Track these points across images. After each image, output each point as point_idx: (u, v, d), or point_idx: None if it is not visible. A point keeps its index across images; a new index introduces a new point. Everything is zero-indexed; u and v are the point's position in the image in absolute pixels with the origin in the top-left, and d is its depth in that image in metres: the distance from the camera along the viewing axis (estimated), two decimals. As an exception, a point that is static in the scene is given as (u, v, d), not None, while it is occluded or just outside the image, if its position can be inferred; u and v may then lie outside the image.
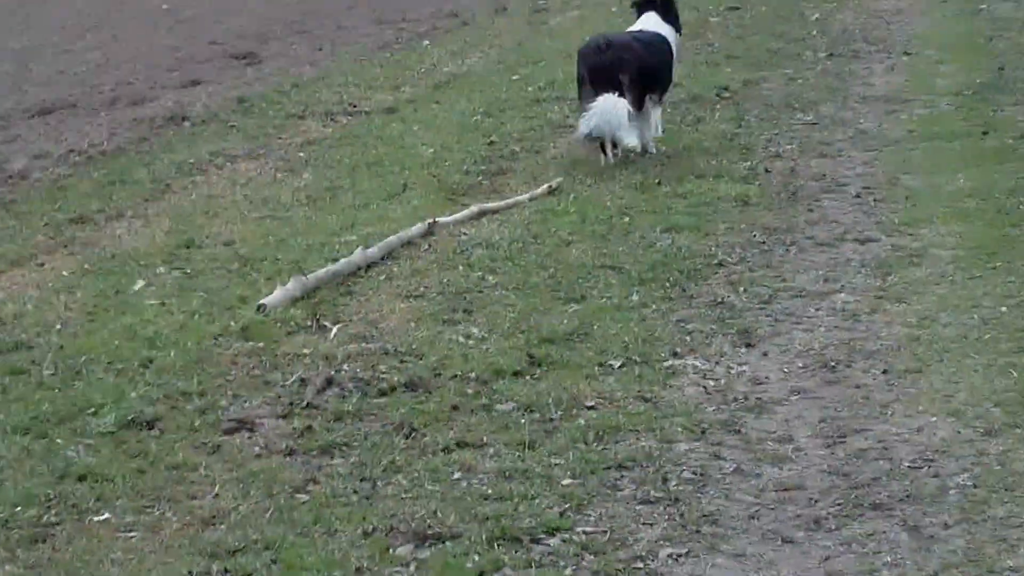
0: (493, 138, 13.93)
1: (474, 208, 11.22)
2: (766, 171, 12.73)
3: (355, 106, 16.18)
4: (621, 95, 12.33)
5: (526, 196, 11.64)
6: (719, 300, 9.32)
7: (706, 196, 11.73)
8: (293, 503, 6.75)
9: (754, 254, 10.25)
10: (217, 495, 6.83)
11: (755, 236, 10.68)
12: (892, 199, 11.61)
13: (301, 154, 13.89)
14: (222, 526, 6.56)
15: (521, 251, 10.25)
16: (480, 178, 12.47)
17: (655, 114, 12.98)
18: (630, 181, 12.17)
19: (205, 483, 6.97)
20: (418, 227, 10.65)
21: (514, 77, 17.18)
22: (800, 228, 10.88)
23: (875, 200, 11.67)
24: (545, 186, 11.86)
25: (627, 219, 11.02)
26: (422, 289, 9.55)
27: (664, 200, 11.57)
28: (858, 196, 11.87)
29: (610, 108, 12.27)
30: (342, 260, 9.87)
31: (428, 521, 6.53)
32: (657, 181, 12.16)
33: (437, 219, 10.81)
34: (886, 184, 12.10)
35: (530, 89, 16.30)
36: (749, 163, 12.93)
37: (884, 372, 8.11)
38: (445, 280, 9.71)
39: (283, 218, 11.48)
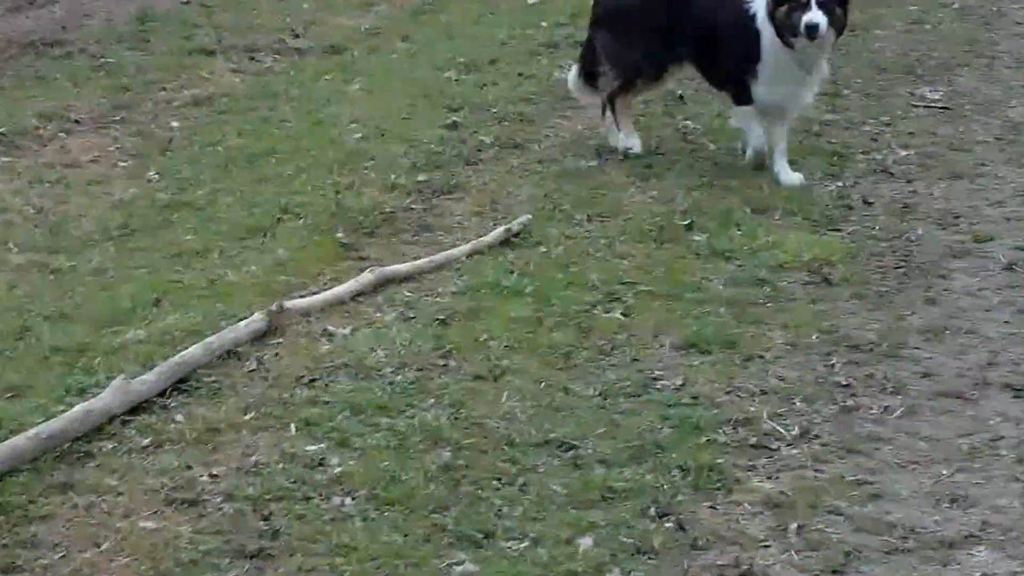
0: (458, 116, 9.31)
1: (368, 275, 6.67)
2: (865, 202, 8.06)
3: (297, 35, 11.59)
4: None
5: (465, 248, 7.07)
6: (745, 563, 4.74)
7: (759, 261, 7.12)
8: None
9: (826, 423, 5.64)
10: None
11: (833, 367, 6.06)
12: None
13: (175, 124, 9.36)
14: None
15: (413, 392, 5.72)
16: (412, 199, 7.88)
17: None
18: (639, 220, 7.56)
19: None
20: (247, 324, 6.13)
21: (530, 1, 12.48)
22: (911, 353, 6.24)
23: (1042, 280, 7.03)
24: (502, 228, 7.27)
25: (615, 316, 6.43)
26: (196, 492, 5.05)
27: (685, 270, 6.95)
28: (1011, 267, 7.19)
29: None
30: (73, 410, 5.38)
31: None
32: (686, 222, 7.54)
33: (285, 303, 6.28)
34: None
35: (543, 26, 11.60)
36: (839, 185, 8.26)
37: None
38: (246, 461, 5.21)
39: (58, 273, 6.98)
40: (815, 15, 7.80)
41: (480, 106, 9.57)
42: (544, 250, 7.13)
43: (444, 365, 5.91)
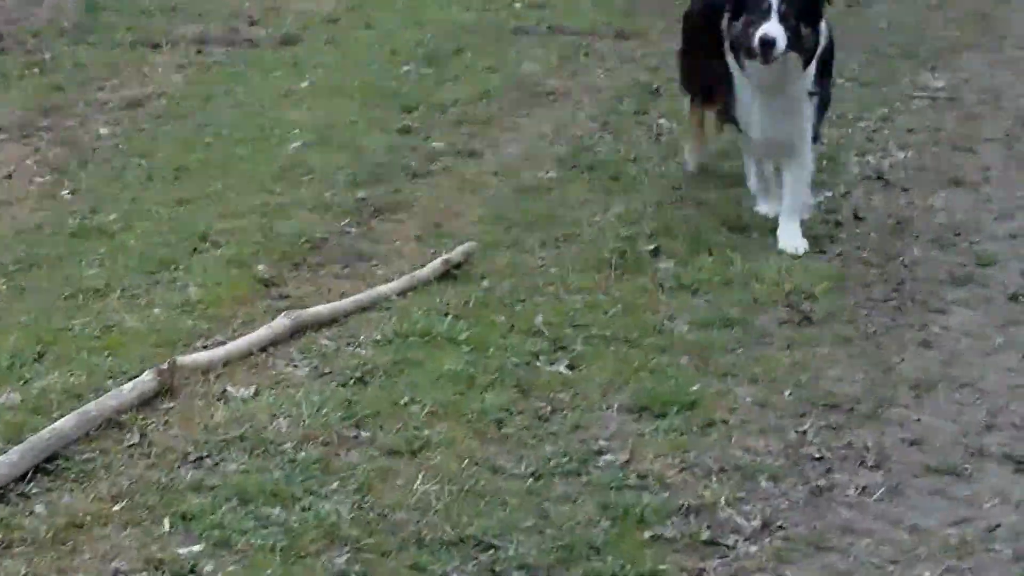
0: (412, 118, 8.50)
1: (283, 322, 5.87)
2: (856, 217, 7.23)
3: (254, 22, 10.78)
4: None
5: (397, 285, 6.26)
6: None
7: (731, 295, 6.30)
8: None
9: (793, 509, 4.81)
10: None
11: (806, 435, 5.24)
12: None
13: (103, 131, 8.55)
14: None
15: (314, 474, 4.91)
16: (347, 221, 7.06)
17: None
18: (599, 245, 6.74)
19: None
20: (134, 386, 5.33)
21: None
22: (898, 414, 5.41)
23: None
24: (441, 259, 6.45)
25: (560, 371, 5.61)
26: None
27: (647, 308, 6.13)
28: (1016, 298, 6.36)
29: None
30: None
31: None
32: (652, 247, 6.72)
33: (180, 359, 5.48)
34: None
35: (516, 7, 10.77)
36: (828, 195, 7.44)
37: None
38: (105, 569, 4.42)
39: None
40: (771, 27, 6.42)
41: (438, 105, 8.76)
42: (487, 285, 6.32)
43: (355, 437, 5.11)
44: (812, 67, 6.67)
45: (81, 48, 10.14)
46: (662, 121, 8.44)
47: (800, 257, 6.74)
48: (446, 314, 5.99)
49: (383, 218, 7.11)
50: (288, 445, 5.02)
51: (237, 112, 8.70)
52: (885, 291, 6.43)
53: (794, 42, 6.52)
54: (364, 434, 5.11)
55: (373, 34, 10.33)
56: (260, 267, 6.46)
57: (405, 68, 9.45)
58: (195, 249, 6.68)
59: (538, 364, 5.64)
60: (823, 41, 6.69)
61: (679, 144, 7.99)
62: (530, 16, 10.49)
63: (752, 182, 7.25)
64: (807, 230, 6.98)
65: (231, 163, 7.76)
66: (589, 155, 7.92)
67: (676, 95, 8.71)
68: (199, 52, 10.08)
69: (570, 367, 5.64)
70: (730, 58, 6.79)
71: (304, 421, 5.14)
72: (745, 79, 6.74)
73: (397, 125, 8.36)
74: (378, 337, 5.81)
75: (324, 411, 5.20)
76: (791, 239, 6.81)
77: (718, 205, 7.23)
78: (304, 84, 9.20)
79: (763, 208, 7.11)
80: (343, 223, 7.02)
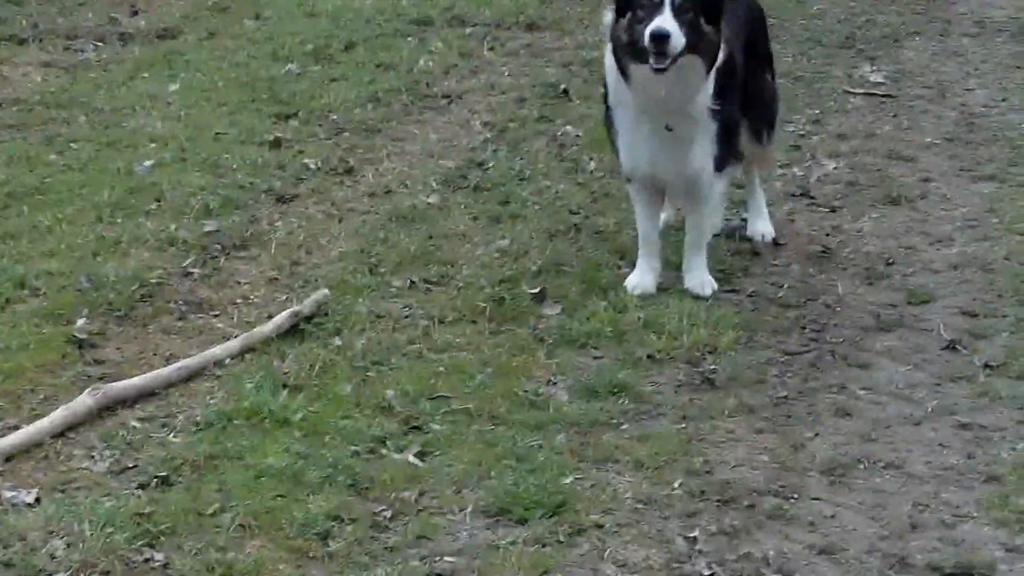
0: (287, 128, 7.60)
1: (86, 401, 4.96)
2: (775, 244, 6.36)
3: (136, 11, 9.84)
4: None
5: (234, 345, 5.37)
6: None
7: (623, 350, 5.44)
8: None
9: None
10: None
11: (695, 542, 4.36)
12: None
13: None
14: None
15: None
16: (192, 259, 6.15)
17: None
18: (476, 288, 5.86)
19: None
20: None
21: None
22: (805, 510, 4.53)
23: (989, 370, 5.32)
24: (288, 312, 5.54)
25: (408, 461, 4.71)
26: None
27: (523, 371, 5.25)
28: (953, 347, 5.50)
29: None
30: None
31: None
32: (536, 290, 5.83)
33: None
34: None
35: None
36: (746, 218, 6.55)
37: None
38: None
39: None
40: (665, 20, 5.36)
41: (319, 111, 7.85)
42: (339, 343, 5.42)
43: (146, 561, 4.20)
44: (711, 80, 5.69)
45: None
46: (568, 128, 7.54)
47: (707, 298, 5.85)
48: (284, 385, 5.09)
49: (233, 255, 6.20)
50: (61, 576, 4.12)
51: (92, 122, 7.76)
52: (801, 341, 5.57)
53: (693, 41, 5.47)
54: (157, 558, 4.21)
55: (259, 26, 9.37)
56: (80, 322, 5.55)
57: (288, 67, 8.51)
58: (7, 300, 5.75)
59: (383, 452, 4.75)
60: (721, 53, 5.70)
61: (578, 157, 7.10)
62: (434, 6, 9.55)
63: (641, 244, 5.91)
64: (718, 262, 6.11)
65: (70, 187, 6.83)
66: (478, 173, 7.03)
67: (585, 98, 7.84)
68: (67, 48, 9.13)
69: (421, 455, 4.74)
70: (611, 75, 5.77)
71: (85, 542, 4.23)
72: (630, 97, 5.71)
73: (268, 137, 7.43)
74: (199, 416, 4.91)
75: (112, 527, 4.29)
76: (696, 279, 5.92)
77: (620, 233, 6.34)
78: (174, 87, 8.26)
79: (645, 283, 5.86)
80: (186, 263, 6.11)
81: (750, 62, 6.13)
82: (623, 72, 5.63)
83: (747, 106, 6.13)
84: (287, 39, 9.01)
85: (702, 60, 5.58)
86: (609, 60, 5.73)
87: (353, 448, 4.73)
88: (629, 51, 5.56)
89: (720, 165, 5.84)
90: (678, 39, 5.42)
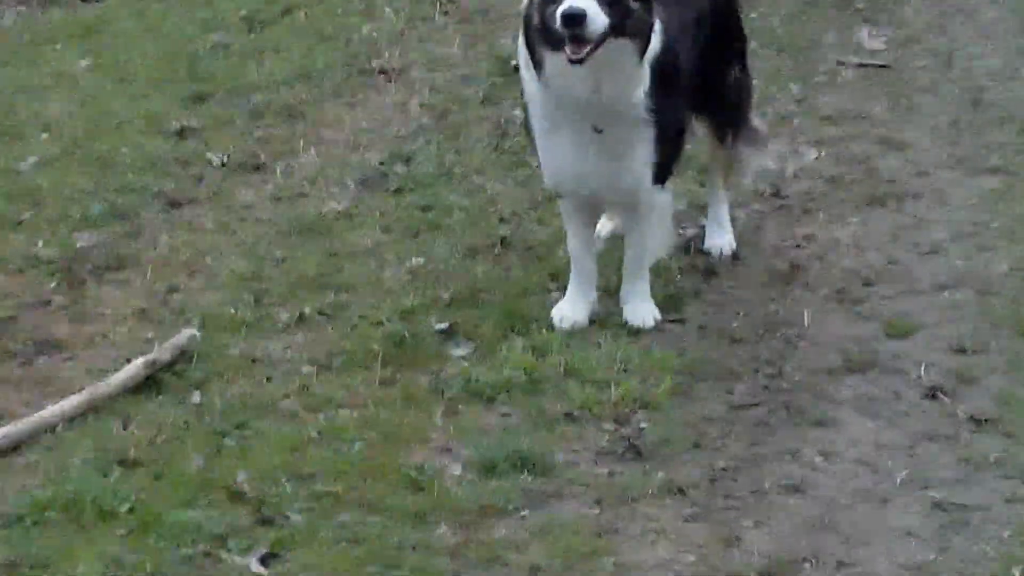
0: (197, 113, 6.72)
1: None
2: (734, 257, 5.48)
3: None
4: None
5: (77, 401, 4.53)
6: None
7: (537, 407, 4.59)
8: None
9: None
10: None
11: None
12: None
13: None
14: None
15: None
16: (54, 283, 5.32)
17: None
18: (372, 323, 4.99)
19: None
20: None
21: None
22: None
23: (975, 426, 4.44)
24: (143, 360, 4.69)
25: (251, 573, 3.86)
26: None
27: (413, 435, 4.41)
28: (934, 395, 4.60)
29: None
30: None
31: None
32: (443, 326, 4.97)
33: None
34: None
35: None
36: (704, 225, 5.63)
37: None
38: None
39: None
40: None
41: (239, 91, 7.00)
42: (198, 400, 4.57)
43: None
44: (645, 70, 4.75)
45: None
46: (515, 113, 6.61)
47: (649, 330, 4.97)
48: (120, 461, 4.24)
49: (103, 279, 5.37)
50: None
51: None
52: (752, 390, 4.69)
53: (618, 21, 4.54)
54: None
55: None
56: None
57: (215, 38, 7.62)
58: None
59: (222, 555, 3.90)
60: (657, 40, 4.74)
61: (520, 150, 6.20)
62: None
63: (573, 269, 5.04)
64: (667, 282, 5.22)
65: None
66: (402, 170, 6.14)
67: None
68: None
69: (268, 558, 3.90)
70: (524, 65, 4.82)
71: None
72: (547, 93, 4.77)
73: (176, 125, 6.56)
74: (10, 502, 4.08)
75: None
76: (636, 310, 5.03)
77: (556, 248, 5.44)
78: (85, 63, 7.39)
79: (576, 314, 4.98)
80: (47, 286, 5.29)
81: (712, 46, 5.19)
82: (535, 62, 4.70)
83: (708, 102, 5.24)
84: (218, 4, 8.11)
85: (632, 45, 4.64)
86: (522, 47, 4.81)
87: (185, 552, 3.89)
88: (541, 35, 4.63)
89: (661, 176, 4.93)
90: (598, 20, 4.49)
